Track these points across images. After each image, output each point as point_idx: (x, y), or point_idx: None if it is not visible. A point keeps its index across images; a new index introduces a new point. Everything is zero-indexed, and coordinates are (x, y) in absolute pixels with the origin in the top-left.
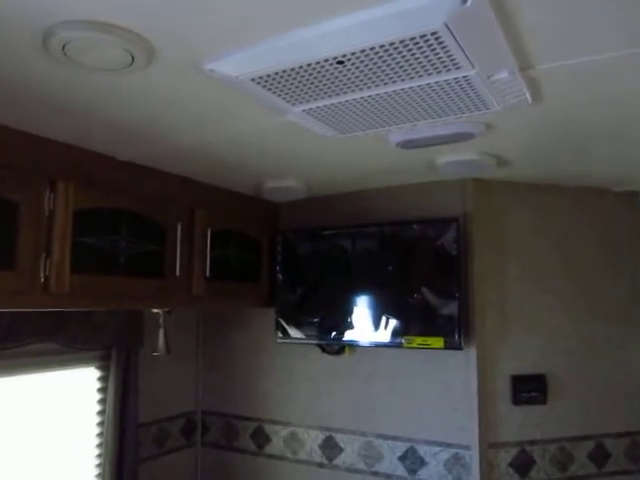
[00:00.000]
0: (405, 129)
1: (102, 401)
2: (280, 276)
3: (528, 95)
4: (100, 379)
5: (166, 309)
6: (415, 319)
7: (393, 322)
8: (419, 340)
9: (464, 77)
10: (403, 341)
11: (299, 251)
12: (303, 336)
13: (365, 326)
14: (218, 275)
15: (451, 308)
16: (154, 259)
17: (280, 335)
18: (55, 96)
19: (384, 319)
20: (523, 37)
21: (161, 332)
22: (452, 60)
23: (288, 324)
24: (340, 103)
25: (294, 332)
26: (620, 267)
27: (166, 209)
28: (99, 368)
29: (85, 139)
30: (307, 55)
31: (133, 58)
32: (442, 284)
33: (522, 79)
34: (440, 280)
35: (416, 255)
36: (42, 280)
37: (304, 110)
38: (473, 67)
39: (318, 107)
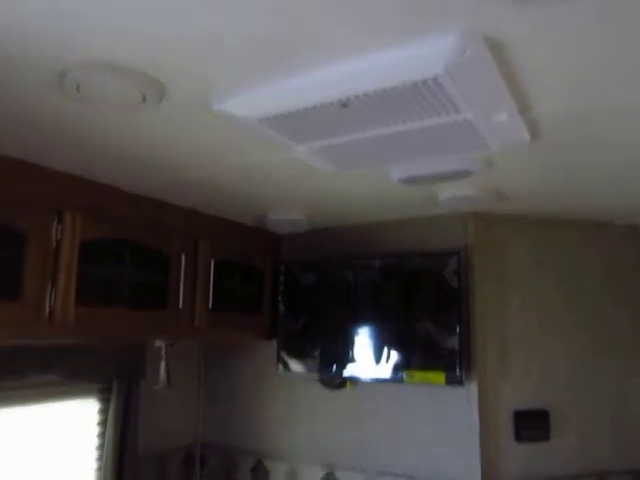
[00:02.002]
0: (406, 166)
1: (102, 434)
2: (282, 308)
3: (527, 135)
4: (100, 411)
5: (168, 341)
6: (417, 352)
7: (394, 355)
8: (420, 375)
9: (464, 119)
10: (404, 376)
11: (301, 282)
12: (304, 370)
13: (366, 360)
14: (220, 307)
15: (452, 342)
16: (157, 290)
17: (281, 368)
18: (67, 131)
19: (385, 352)
20: (521, 81)
21: (162, 364)
22: (452, 103)
23: (289, 357)
24: (343, 142)
25: (295, 365)
26: (622, 300)
27: (170, 240)
28: (99, 400)
29: (93, 171)
30: (312, 98)
31: (144, 97)
32: (444, 317)
33: (521, 120)
34: (442, 313)
35: (418, 288)
36: (47, 311)
37: (309, 148)
38: (473, 110)
39: (322, 146)
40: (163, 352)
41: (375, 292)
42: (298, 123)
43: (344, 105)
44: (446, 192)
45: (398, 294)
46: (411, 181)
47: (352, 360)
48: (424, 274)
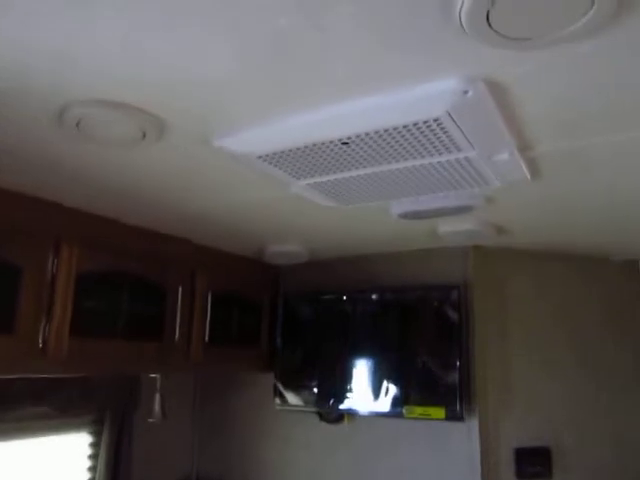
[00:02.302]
0: (407, 202)
1: (93, 468)
2: (279, 340)
3: (527, 173)
4: (92, 444)
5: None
6: (416, 387)
7: (393, 390)
8: (420, 410)
9: (465, 157)
10: (404, 411)
11: (299, 315)
12: (301, 403)
13: (365, 394)
14: (217, 340)
15: (452, 377)
16: (154, 323)
17: (278, 402)
18: (66, 166)
19: (384, 386)
20: (521, 122)
21: (157, 397)
22: (453, 143)
23: (286, 390)
24: (343, 178)
25: (292, 398)
26: (622, 335)
27: (167, 272)
28: (91, 433)
29: (91, 204)
30: (314, 136)
31: (144, 134)
32: (443, 352)
33: (521, 159)
34: (442, 348)
35: (417, 322)
36: (40, 345)
37: (308, 184)
38: (474, 149)
39: (322, 182)
40: (158, 384)
41: (374, 326)
42: (298, 160)
43: (345, 143)
44: (446, 226)
45: (397, 328)
46: (411, 216)
47: (350, 394)
48: (424, 308)
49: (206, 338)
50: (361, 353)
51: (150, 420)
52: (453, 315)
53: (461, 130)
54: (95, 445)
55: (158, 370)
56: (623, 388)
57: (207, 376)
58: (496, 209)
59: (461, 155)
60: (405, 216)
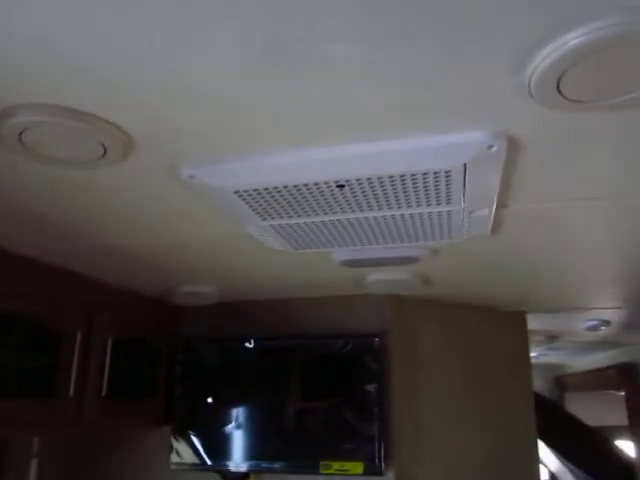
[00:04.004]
0: (354, 249)
1: None
2: (179, 389)
3: (489, 230)
4: None
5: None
6: (333, 440)
7: (308, 443)
8: (337, 465)
9: (448, 211)
10: (320, 467)
11: (202, 361)
12: (201, 461)
13: (276, 448)
14: (115, 393)
15: (371, 429)
16: (44, 376)
17: (174, 460)
18: None
19: (298, 440)
20: (515, 181)
21: (34, 464)
22: (448, 196)
23: (185, 446)
24: (314, 222)
25: (190, 456)
26: (512, 381)
27: (62, 314)
28: None
29: None
30: (309, 175)
31: (105, 152)
32: (362, 403)
33: (493, 216)
34: (360, 398)
35: (335, 371)
36: None
37: (271, 225)
38: (463, 204)
39: (288, 224)
40: (35, 448)
41: (287, 375)
42: (277, 199)
43: (340, 186)
44: (376, 275)
45: (311, 377)
46: (353, 264)
47: (258, 449)
48: (342, 356)
49: (103, 392)
50: (272, 405)
51: None
52: (373, 364)
53: (464, 184)
54: None
55: (44, 433)
56: (516, 433)
57: (95, 435)
58: (435, 261)
59: (447, 209)
60: (347, 264)
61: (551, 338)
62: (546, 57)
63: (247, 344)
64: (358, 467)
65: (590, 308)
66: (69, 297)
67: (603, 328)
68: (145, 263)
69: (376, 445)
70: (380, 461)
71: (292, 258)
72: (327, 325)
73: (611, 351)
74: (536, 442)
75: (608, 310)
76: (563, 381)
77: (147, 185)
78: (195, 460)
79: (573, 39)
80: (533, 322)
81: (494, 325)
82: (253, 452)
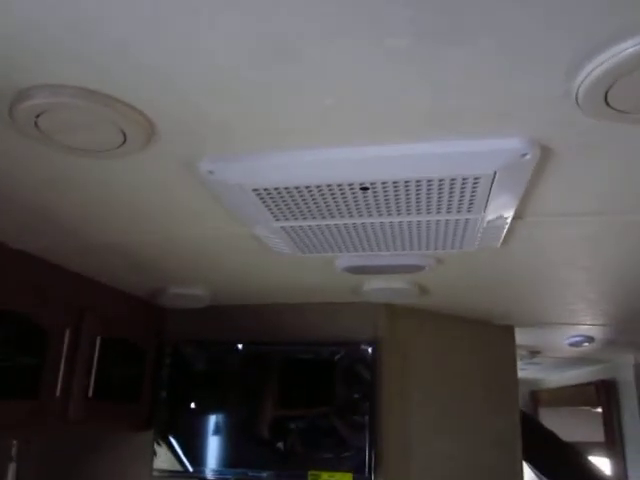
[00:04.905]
0: (359, 256)
1: None
2: (163, 393)
3: (501, 241)
4: None
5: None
6: (322, 450)
7: (297, 453)
8: (326, 476)
9: (467, 219)
10: (308, 477)
11: (189, 364)
12: (184, 468)
13: (263, 456)
14: (101, 394)
15: (361, 440)
16: (29, 375)
17: (157, 465)
18: None
19: (286, 449)
20: (539, 192)
21: (12, 468)
22: (471, 204)
23: (168, 452)
24: (327, 225)
25: (174, 462)
26: (500, 395)
27: (51, 311)
28: None
29: None
30: (334, 176)
31: (125, 140)
32: (353, 413)
33: (506, 227)
34: (351, 408)
35: (326, 380)
36: None
37: (282, 227)
38: (483, 213)
39: (300, 226)
40: (14, 451)
41: (275, 382)
42: (296, 199)
43: (364, 189)
44: (374, 283)
45: (302, 385)
46: (356, 271)
47: (244, 457)
48: (333, 364)
49: (90, 393)
50: (260, 412)
51: None
52: (365, 373)
53: (489, 192)
54: None
55: (27, 434)
56: (502, 446)
57: (76, 438)
58: (437, 271)
59: (466, 217)
60: (350, 270)
61: (533, 353)
62: (601, 64)
63: (235, 349)
64: (347, 477)
65: (576, 324)
66: (59, 294)
67: (586, 344)
68: (136, 261)
69: (366, 455)
70: (369, 472)
71: (293, 262)
72: (318, 332)
73: (589, 367)
74: (521, 456)
75: (594, 327)
76: (538, 396)
77: (159, 179)
78: (177, 467)
79: (630, 47)
80: (518, 336)
81: (484, 338)
82: (239, 460)
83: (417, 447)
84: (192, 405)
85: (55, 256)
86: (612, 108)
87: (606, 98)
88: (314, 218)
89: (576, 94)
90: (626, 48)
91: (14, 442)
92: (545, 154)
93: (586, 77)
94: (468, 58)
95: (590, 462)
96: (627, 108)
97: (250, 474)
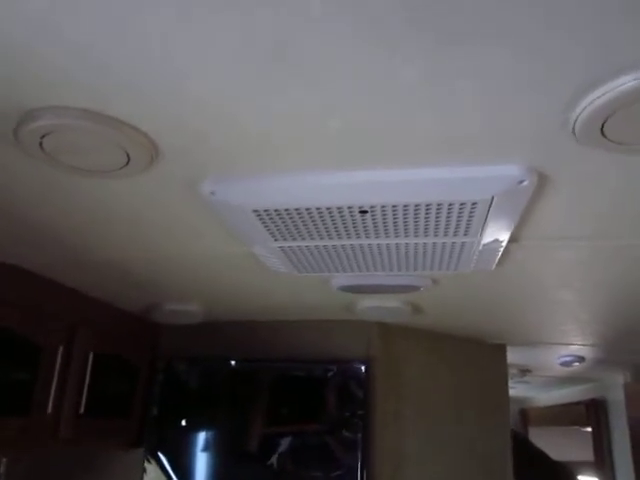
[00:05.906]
0: (355, 275)
1: None
2: (154, 410)
3: (495, 263)
4: None
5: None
6: (313, 468)
7: (287, 471)
8: None
9: (463, 242)
10: None
11: (181, 382)
12: None
13: (253, 474)
14: (92, 411)
15: (353, 457)
16: (21, 391)
17: None
18: None
19: (276, 466)
20: (530, 218)
21: None
22: (468, 228)
23: (157, 469)
24: (325, 246)
25: None
26: (491, 414)
27: (44, 326)
28: None
29: None
30: (334, 199)
31: (128, 161)
32: (345, 430)
33: (501, 250)
34: (344, 425)
35: (318, 397)
36: None
37: (280, 247)
38: (479, 236)
39: (298, 246)
40: (3, 469)
41: (268, 399)
42: (294, 221)
43: (363, 212)
44: (368, 301)
45: (294, 403)
46: (351, 290)
47: (235, 475)
48: (326, 382)
49: (81, 409)
50: (252, 430)
51: None
52: (358, 392)
53: (486, 217)
54: None
55: (16, 452)
56: (492, 471)
57: (65, 455)
58: (432, 291)
59: (462, 240)
60: (346, 289)
61: (524, 372)
62: (599, 97)
63: (228, 366)
64: None
65: (567, 344)
66: (52, 309)
67: (577, 364)
68: (133, 278)
69: (357, 474)
70: None
71: (289, 281)
72: (311, 349)
73: (579, 386)
74: (511, 475)
75: (584, 347)
76: (527, 414)
77: (161, 200)
78: None
79: (630, 81)
80: (509, 355)
81: (477, 357)
82: (229, 478)
83: (411, 466)
84: (183, 422)
85: (52, 272)
86: (608, 139)
87: (602, 129)
88: (312, 239)
89: (573, 125)
90: (625, 82)
91: (3, 459)
92: (542, 181)
93: (584, 109)
94: (471, 88)
95: None
96: (622, 139)
97: None
